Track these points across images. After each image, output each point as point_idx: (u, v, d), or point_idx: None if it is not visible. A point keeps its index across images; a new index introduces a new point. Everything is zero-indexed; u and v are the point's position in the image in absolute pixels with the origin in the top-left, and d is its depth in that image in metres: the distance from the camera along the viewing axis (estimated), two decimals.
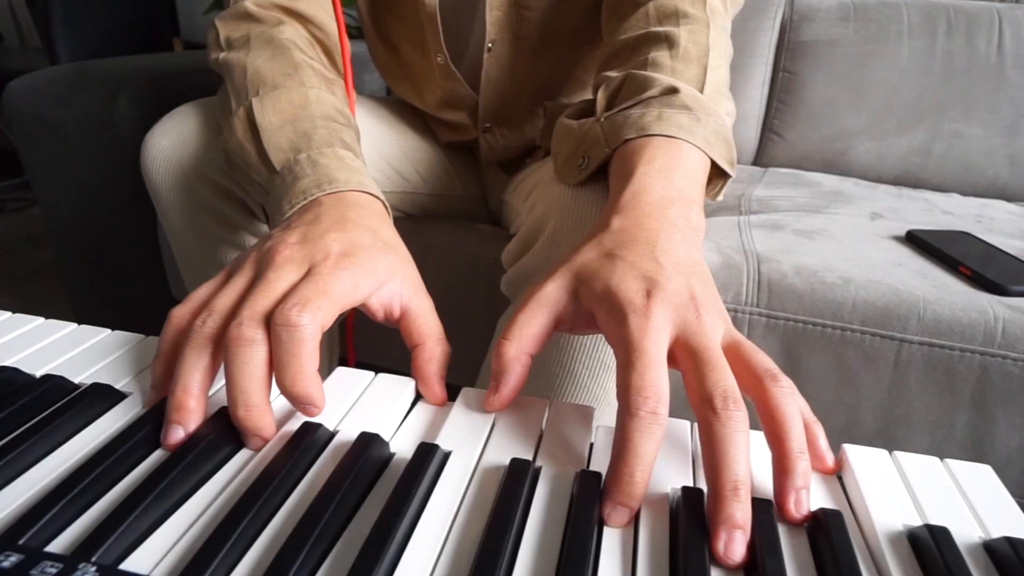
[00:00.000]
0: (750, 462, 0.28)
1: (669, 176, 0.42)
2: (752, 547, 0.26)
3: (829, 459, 0.32)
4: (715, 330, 0.33)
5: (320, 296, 0.34)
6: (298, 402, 0.33)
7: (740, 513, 0.27)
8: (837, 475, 0.32)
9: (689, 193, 0.41)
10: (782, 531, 0.28)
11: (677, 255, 0.36)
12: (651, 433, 0.29)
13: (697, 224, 0.40)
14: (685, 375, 0.32)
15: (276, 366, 0.33)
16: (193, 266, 0.71)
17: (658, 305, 0.33)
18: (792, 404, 0.30)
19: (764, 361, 0.32)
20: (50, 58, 1.77)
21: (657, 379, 0.30)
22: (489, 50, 0.72)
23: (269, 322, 0.33)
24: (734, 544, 0.26)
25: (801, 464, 0.29)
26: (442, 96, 0.77)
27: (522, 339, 0.35)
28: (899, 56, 1.17)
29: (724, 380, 0.30)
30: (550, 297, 0.36)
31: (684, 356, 0.32)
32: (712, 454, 0.28)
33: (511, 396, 0.35)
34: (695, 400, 0.30)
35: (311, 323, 0.33)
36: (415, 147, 0.83)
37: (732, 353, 0.33)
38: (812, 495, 0.30)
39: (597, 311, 0.34)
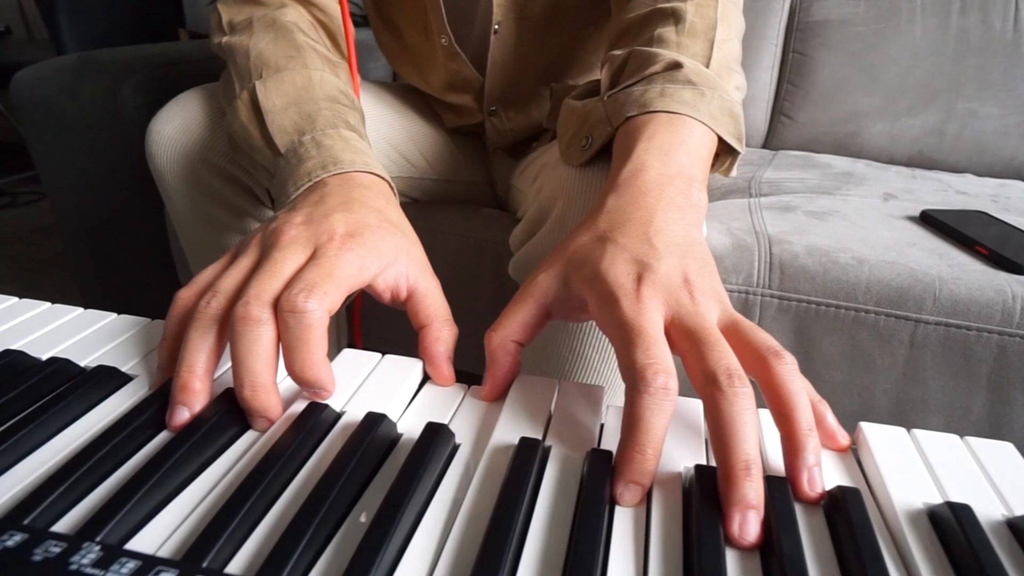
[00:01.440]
0: (759, 440, 0.28)
1: (669, 152, 0.41)
2: (768, 525, 0.26)
3: (840, 436, 0.32)
4: (710, 310, 0.32)
5: (326, 280, 0.33)
6: (308, 387, 0.33)
7: (753, 493, 0.26)
8: (854, 453, 0.32)
9: (690, 170, 0.40)
10: (798, 509, 0.27)
11: (672, 235, 0.36)
12: (661, 409, 0.28)
13: (697, 202, 0.39)
14: (684, 358, 0.31)
15: (285, 352, 0.32)
16: (199, 252, 0.71)
17: (649, 288, 0.32)
18: (797, 380, 0.30)
19: (765, 339, 0.31)
20: (56, 49, 1.77)
21: (661, 353, 0.29)
22: (496, 32, 0.71)
23: (275, 305, 0.33)
24: (748, 525, 0.25)
25: (811, 441, 0.28)
26: (447, 78, 0.77)
27: (506, 328, 0.35)
28: (912, 35, 1.15)
29: (725, 357, 0.29)
30: (540, 287, 0.36)
31: (681, 338, 0.31)
32: (720, 433, 0.27)
33: (499, 385, 0.35)
34: (697, 380, 0.29)
35: (318, 308, 0.32)
36: (421, 132, 0.82)
37: (731, 333, 0.32)
38: (829, 474, 0.30)
39: (588, 297, 0.34)
